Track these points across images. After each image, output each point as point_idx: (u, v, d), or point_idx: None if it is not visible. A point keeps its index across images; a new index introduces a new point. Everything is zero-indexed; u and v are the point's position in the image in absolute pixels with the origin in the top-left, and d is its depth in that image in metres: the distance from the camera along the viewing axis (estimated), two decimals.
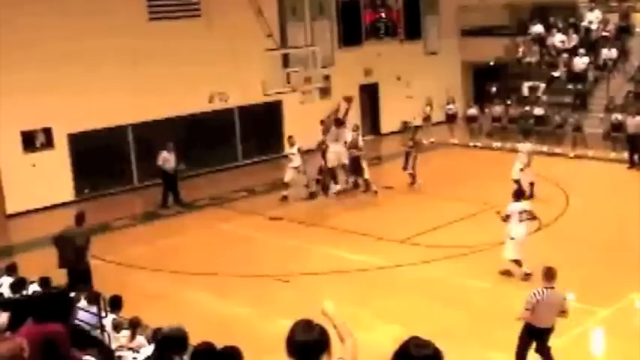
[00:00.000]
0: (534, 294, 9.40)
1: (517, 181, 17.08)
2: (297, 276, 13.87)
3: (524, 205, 13.21)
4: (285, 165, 19.60)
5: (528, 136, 19.34)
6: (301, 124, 23.47)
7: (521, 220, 12.95)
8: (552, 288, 9.44)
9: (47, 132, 19.63)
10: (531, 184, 17.57)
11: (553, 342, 10.55)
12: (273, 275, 13.91)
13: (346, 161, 18.81)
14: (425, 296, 12.63)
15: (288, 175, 19.12)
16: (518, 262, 13.03)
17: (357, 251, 15.03)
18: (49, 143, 19.70)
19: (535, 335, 9.62)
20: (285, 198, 18.91)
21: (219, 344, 5.70)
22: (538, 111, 24.89)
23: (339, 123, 18.79)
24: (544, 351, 9.68)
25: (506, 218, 12.97)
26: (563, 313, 9.49)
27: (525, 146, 18.13)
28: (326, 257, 14.89)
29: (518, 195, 13.37)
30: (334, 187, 18.81)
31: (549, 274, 9.48)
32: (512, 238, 12.95)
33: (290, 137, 19.63)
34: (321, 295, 12.68)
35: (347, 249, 15.21)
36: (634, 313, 12.09)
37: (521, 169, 17.65)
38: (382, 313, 12.01)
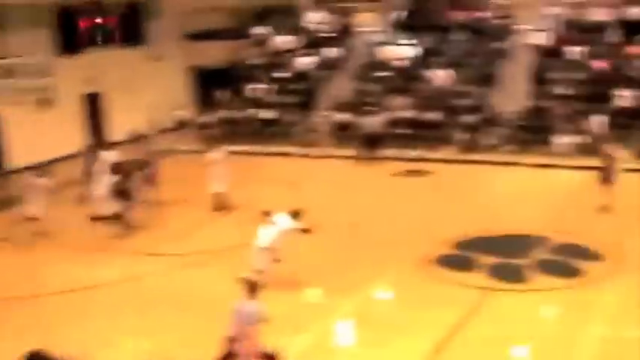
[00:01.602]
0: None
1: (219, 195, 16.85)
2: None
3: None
4: None
5: (216, 143, 18.86)
6: (25, 137, 22.18)
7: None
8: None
9: None
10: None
11: (294, 340, 10.41)
12: None
13: None
14: (172, 308, 12.06)
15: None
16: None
17: (89, 267, 14.10)
18: None
19: None
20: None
21: None
22: (266, 113, 25.15)
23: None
24: None
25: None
26: (265, 321, 8.72)
27: (213, 154, 17.63)
28: (58, 276, 13.72)
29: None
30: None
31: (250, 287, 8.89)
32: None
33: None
34: (51, 318, 11.57)
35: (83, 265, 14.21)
36: (375, 303, 12.53)
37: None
38: (130, 329, 11.33)
